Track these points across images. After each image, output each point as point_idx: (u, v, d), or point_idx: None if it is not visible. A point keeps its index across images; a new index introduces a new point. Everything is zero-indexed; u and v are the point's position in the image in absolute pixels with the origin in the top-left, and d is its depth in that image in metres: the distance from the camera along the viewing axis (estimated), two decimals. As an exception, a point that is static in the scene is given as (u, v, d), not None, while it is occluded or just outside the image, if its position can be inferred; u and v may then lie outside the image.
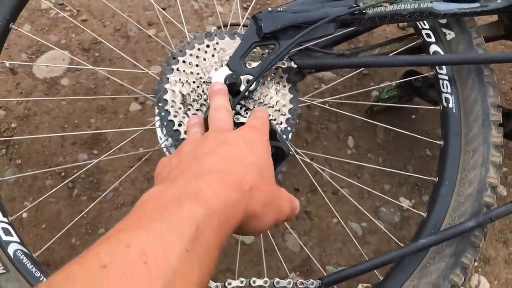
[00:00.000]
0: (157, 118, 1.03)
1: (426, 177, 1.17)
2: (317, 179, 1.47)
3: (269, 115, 0.97)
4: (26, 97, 1.51)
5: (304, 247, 1.14)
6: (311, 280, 0.89)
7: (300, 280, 0.88)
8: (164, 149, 1.21)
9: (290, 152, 1.13)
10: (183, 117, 1.00)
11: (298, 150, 1.17)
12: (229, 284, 0.83)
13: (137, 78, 1.58)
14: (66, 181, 1.11)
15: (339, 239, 1.39)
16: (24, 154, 1.40)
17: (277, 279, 0.87)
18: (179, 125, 0.99)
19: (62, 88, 1.54)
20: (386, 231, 1.18)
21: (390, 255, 1.00)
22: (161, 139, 1.22)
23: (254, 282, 0.84)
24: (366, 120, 1.29)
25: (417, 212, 1.12)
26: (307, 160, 1.13)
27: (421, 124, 1.62)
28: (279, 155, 0.86)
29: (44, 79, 1.55)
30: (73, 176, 1.27)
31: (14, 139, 1.42)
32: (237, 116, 0.98)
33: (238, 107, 1.00)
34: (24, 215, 1.31)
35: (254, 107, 1.00)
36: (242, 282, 0.84)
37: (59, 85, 1.54)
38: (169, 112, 1.00)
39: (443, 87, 1.20)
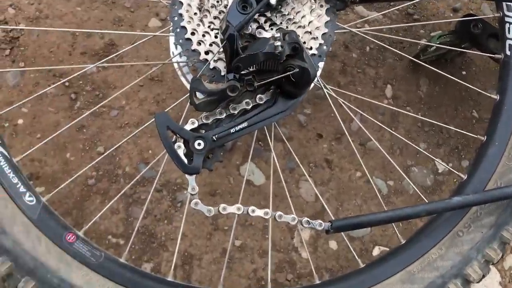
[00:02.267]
0: (171, 24, 0.88)
1: (472, 135, 1.00)
2: (344, 127, 1.31)
3: (298, 35, 0.80)
4: (38, -2, 1.38)
5: (320, 196, 0.99)
6: (319, 221, 0.75)
7: (307, 218, 0.74)
8: (175, 66, 1.07)
9: (318, 83, 0.97)
10: (198, 25, 0.84)
11: (328, 86, 1.01)
12: (224, 209, 0.70)
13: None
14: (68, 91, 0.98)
15: (359, 195, 1.24)
16: (29, 58, 1.29)
17: (279, 213, 0.73)
18: (192, 33, 0.84)
19: (78, -7, 1.40)
20: (418, 191, 1.02)
21: (416, 208, 0.84)
22: (173, 53, 1.08)
23: (253, 211, 0.71)
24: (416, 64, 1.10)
25: (456, 172, 0.95)
26: (339, 99, 0.96)
27: (471, 82, 1.42)
28: (303, 77, 0.71)
29: (60, -19, 1.42)
30: (74, 85, 1.15)
31: (21, 40, 1.30)
32: (259, 29, 0.82)
33: (262, 19, 0.84)
34: (20, 121, 1.21)
35: (281, 22, 0.84)
36: (239, 209, 0.71)
37: (75, -10, 1.41)
38: (183, 16, 0.85)
39: (509, 32, 1.01)
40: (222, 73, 0.84)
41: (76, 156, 1.19)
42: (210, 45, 0.85)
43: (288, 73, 0.72)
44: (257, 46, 0.74)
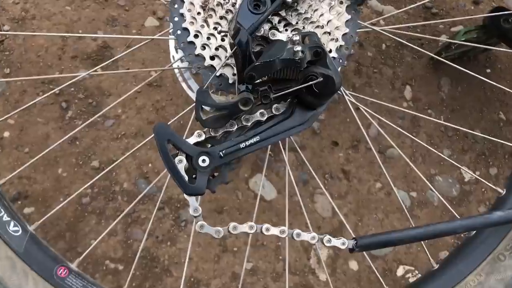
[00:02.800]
0: (170, 26, 0.77)
1: (503, 142, 0.89)
2: (361, 134, 1.20)
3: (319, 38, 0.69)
4: (24, -3, 1.26)
5: (338, 211, 0.88)
6: (343, 239, 0.64)
7: (328, 236, 0.63)
8: (176, 71, 0.96)
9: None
10: (202, 26, 0.73)
11: (347, 92, 0.90)
12: (235, 228, 0.59)
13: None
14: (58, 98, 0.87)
15: (380, 208, 1.13)
16: (15, 63, 1.17)
17: (297, 231, 0.63)
18: (196, 36, 0.73)
19: (67, -9, 1.28)
20: (444, 202, 0.91)
21: (451, 224, 0.72)
22: (173, 58, 0.97)
23: (268, 229, 0.61)
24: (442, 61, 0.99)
25: (493, 187, 0.84)
26: (359, 105, 0.85)
27: (497, 80, 1.31)
28: (327, 86, 0.60)
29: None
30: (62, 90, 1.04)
31: (7, 43, 1.19)
32: (272, 31, 0.71)
33: (276, 19, 0.72)
34: (6, 134, 1.10)
35: (297, 23, 0.73)
36: (251, 228, 0.60)
37: (64, -13, 1.29)
38: (184, 17, 0.74)
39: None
40: (230, 81, 0.74)
41: (69, 172, 1.08)
42: (216, 49, 0.74)
43: (310, 82, 0.61)
44: (274, 51, 0.62)
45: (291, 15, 0.73)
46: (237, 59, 0.65)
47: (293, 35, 0.64)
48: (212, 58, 0.73)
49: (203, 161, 0.58)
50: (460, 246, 0.84)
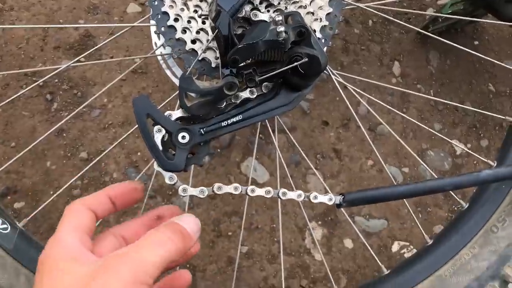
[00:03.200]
0: (151, 11, 0.74)
1: (493, 114, 0.88)
2: (351, 112, 1.19)
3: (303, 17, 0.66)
4: (1, -12, 1.23)
5: (329, 191, 0.88)
6: (330, 195, 0.63)
7: (314, 193, 0.63)
8: (159, 58, 0.94)
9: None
10: (181, 10, 0.71)
11: (335, 72, 0.89)
12: (219, 189, 0.58)
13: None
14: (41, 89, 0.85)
15: (373, 185, 1.13)
16: (-5, 57, 1.15)
17: (284, 190, 0.62)
18: (176, 20, 0.71)
19: (45, -20, 1.25)
20: (435, 176, 0.90)
21: (440, 181, 0.71)
22: (156, 44, 0.95)
23: (253, 191, 0.60)
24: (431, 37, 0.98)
25: (484, 160, 0.83)
26: (347, 84, 0.85)
27: (485, 52, 1.30)
28: (313, 66, 0.58)
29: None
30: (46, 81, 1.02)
31: (-15, 38, 1.16)
32: (254, 11, 0.69)
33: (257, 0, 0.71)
34: (-9, 129, 1.08)
35: (279, 3, 0.71)
36: (236, 189, 0.59)
37: (42, -24, 1.26)
38: (164, 1, 0.71)
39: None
40: (213, 65, 0.72)
41: (57, 164, 1.07)
42: (197, 32, 0.72)
43: (295, 63, 0.59)
44: (256, 33, 0.60)
45: None
46: (219, 42, 0.63)
47: (275, 15, 0.62)
48: (193, 41, 0.71)
49: (183, 137, 0.56)
50: (453, 221, 0.84)
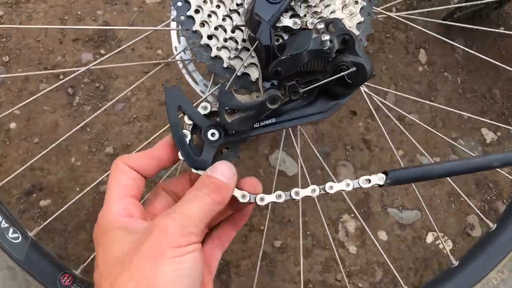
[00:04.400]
0: (173, 13, 0.70)
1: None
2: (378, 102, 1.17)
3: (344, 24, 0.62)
4: (16, -21, 1.19)
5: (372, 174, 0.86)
6: (374, 175, 0.59)
7: (363, 178, 0.58)
8: (179, 64, 0.91)
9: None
10: (209, 16, 0.67)
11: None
12: (262, 200, 0.55)
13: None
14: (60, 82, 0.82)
15: (404, 176, 1.11)
16: (14, 50, 1.11)
17: (330, 184, 0.58)
18: (202, 24, 0.67)
19: (61, -30, 1.21)
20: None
21: (487, 158, 0.65)
22: (176, 49, 0.91)
23: (297, 193, 0.56)
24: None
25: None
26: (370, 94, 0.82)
27: (511, 40, 1.28)
28: (358, 75, 0.55)
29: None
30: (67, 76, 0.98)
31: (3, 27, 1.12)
32: (294, 18, 0.65)
33: (297, 3, 0.67)
34: (12, 125, 1.04)
35: (306, 15, 0.67)
36: (279, 196, 0.56)
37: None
38: (190, 3, 0.67)
39: None
40: (225, 65, 0.68)
41: (83, 160, 1.04)
42: (216, 28, 0.67)
43: (343, 73, 0.55)
44: (299, 43, 0.56)
45: (300, 6, 0.67)
46: (260, 54, 0.59)
47: (317, 23, 0.58)
48: (209, 37, 0.68)
49: (212, 134, 0.53)
50: (481, 240, 0.80)
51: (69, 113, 1.07)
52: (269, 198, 0.54)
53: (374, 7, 0.71)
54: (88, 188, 0.76)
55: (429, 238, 1.06)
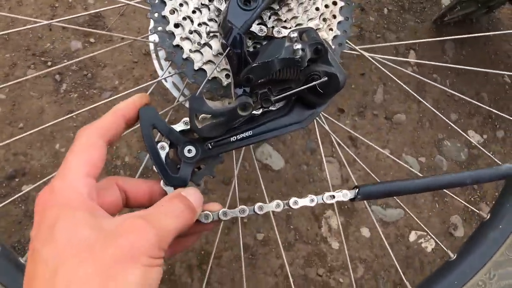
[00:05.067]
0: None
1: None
2: (367, 100, 1.17)
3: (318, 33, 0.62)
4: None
5: (345, 180, 0.86)
6: (344, 191, 0.59)
7: (328, 193, 0.57)
8: (151, 46, 0.90)
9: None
10: (180, 5, 0.65)
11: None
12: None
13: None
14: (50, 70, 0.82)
15: (389, 175, 1.11)
16: (1, 36, 1.10)
17: (295, 199, 0.57)
18: (172, 12, 0.65)
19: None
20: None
21: (459, 175, 0.66)
22: (151, 31, 0.91)
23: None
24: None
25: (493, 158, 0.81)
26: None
27: (500, 42, 1.29)
28: (331, 85, 0.54)
29: None
30: (58, 65, 0.98)
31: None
32: (260, 26, 0.65)
33: (267, 13, 0.66)
34: (-3, 109, 1.04)
35: (286, 20, 0.66)
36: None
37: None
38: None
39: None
40: (196, 67, 0.67)
41: (67, 147, 1.03)
42: (184, 19, 0.67)
43: (314, 83, 0.55)
44: (271, 51, 0.56)
45: (283, 12, 0.67)
46: (231, 61, 0.59)
47: (290, 31, 0.58)
48: (176, 25, 0.66)
49: (189, 151, 0.53)
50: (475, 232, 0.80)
51: (56, 99, 1.06)
52: (232, 213, 0.52)
53: (348, 43, 0.71)
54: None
55: (412, 237, 1.06)
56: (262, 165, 1.08)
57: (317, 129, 0.81)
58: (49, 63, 1.09)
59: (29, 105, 1.05)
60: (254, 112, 0.56)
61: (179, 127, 0.53)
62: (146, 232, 0.38)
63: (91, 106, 0.78)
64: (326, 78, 0.53)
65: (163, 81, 0.94)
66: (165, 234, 0.40)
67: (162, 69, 0.93)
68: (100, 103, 0.78)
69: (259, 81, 0.54)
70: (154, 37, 0.91)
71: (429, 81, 0.84)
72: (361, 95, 1.17)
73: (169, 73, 0.89)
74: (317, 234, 1.03)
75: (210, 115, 0.53)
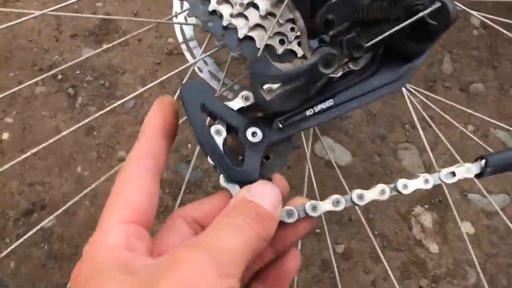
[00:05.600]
0: None
1: None
2: (434, 72, 0.99)
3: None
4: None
5: (429, 167, 0.67)
6: (465, 165, 0.39)
7: (447, 170, 0.38)
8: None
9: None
10: None
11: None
12: (314, 209, 0.36)
13: None
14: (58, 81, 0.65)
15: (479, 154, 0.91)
16: (2, 53, 0.95)
17: (402, 181, 0.38)
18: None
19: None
20: None
21: None
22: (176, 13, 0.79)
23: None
24: None
25: None
26: None
27: None
28: (439, 18, 0.37)
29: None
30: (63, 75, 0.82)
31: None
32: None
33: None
34: (5, 135, 0.87)
35: None
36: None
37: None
38: None
39: None
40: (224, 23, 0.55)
41: (90, 169, 0.86)
42: None
43: (421, 13, 0.37)
44: None
45: None
46: (301, 3, 0.42)
47: None
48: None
49: (253, 134, 0.35)
50: None
51: (72, 116, 0.90)
52: (324, 207, 0.35)
53: None
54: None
55: (526, 226, 0.86)
56: (324, 162, 0.89)
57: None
58: (60, 77, 0.93)
59: (41, 126, 0.89)
60: (331, 75, 0.39)
61: (236, 104, 0.36)
62: (194, 259, 0.28)
63: (114, 119, 0.60)
64: (439, 4, 0.36)
65: (197, 71, 0.77)
66: (228, 256, 0.29)
67: (194, 57, 0.78)
68: (123, 114, 0.61)
69: (342, 26, 0.37)
70: (180, 18, 0.76)
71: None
72: (426, 67, 0.99)
73: (204, 61, 0.74)
74: (409, 237, 0.83)
75: (280, 82, 0.36)
